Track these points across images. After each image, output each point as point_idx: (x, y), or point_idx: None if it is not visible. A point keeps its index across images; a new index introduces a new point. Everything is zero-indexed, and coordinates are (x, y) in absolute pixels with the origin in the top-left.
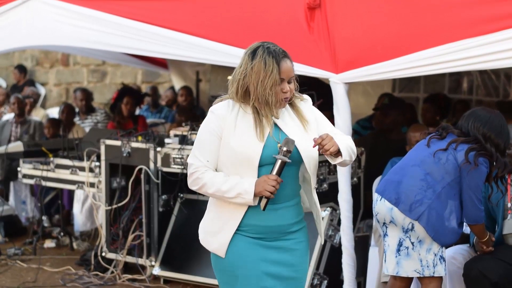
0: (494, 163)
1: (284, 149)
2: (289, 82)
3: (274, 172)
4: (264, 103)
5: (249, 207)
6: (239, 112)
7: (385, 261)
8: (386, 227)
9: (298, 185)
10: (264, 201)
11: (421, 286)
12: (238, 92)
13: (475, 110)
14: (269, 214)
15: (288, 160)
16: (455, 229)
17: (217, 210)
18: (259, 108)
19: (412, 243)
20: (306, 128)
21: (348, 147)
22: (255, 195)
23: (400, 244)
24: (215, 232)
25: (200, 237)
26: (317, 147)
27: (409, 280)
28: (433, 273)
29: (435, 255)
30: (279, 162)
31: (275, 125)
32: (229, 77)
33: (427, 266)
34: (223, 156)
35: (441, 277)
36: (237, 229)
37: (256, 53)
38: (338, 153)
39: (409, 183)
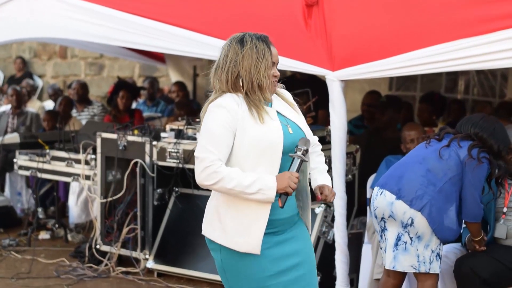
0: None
1: (304, 148)
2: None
3: (295, 169)
4: (257, 87)
5: None
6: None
7: (384, 253)
8: (385, 222)
9: (303, 175)
10: (284, 198)
11: (417, 283)
12: (229, 81)
13: (470, 116)
14: (283, 207)
15: (307, 160)
16: (454, 226)
17: (238, 209)
18: (250, 94)
19: (411, 238)
20: (296, 111)
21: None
22: (277, 191)
23: (398, 239)
24: (243, 232)
25: (220, 240)
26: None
27: (402, 277)
28: (429, 269)
29: (433, 251)
30: (298, 161)
31: (277, 112)
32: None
33: (424, 262)
34: (242, 149)
35: (437, 275)
36: None
37: (244, 41)
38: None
39: (410, 178)
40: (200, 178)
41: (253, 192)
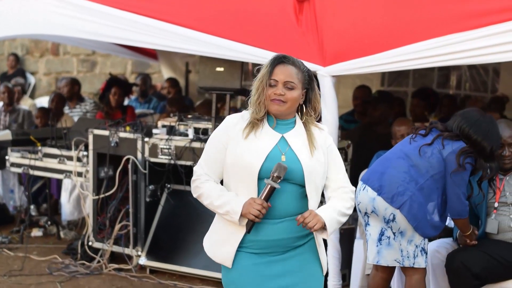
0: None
1: (275, 174)
2: (289, 88)
3: (263, 196)
4: (256, 103)
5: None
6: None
7: (367, 249)
8: (368, 217)
9: (303, 204)
10: (249, 223)
11: (405, 277)
12: (249, 102)
13: (465, 111)
14: (268, 229)
15: (277, 186)
16: (437, 222)
17: (222, 221)
18: (252, 109)
19: (394, 234)
20: (312, 153)
21: (337, 217)
22: (241, 216)
23: (381, 234)
24: (220, 244)
25: (205, 248)
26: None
27: (390, 271)
28: (413, 264)
29: (416, 246)
30: (268, 187)
31: (283, 138)
32: (218, 69)
33: (407, 257)
34: (228, 165)
35: (424, 269)
36: (240, 246)
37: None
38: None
39: (392, 174)
40: (191, 189)
41: (222, 213)
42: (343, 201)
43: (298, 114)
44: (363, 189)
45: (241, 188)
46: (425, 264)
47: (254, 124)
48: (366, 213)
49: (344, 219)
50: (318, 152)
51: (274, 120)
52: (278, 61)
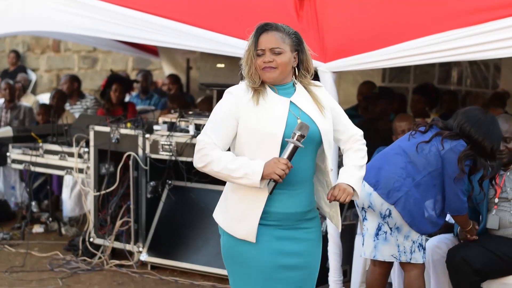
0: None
1: (298, 133)
2: (277, 54)
3: (286, 156)
4: (248, 75)
5: (269, 195)
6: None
7: (362, 244)
8: (365, 212)
9: (313, 171)
10: (272, 184)
11: (404, 273)
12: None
13: (467, 110)
14: (287, 201)
15: (301, 145)
16: (434, 218)
17: (240, 195)
18: (248, 82)
19: (390, 229)
20: (322, 113)
21: (359, 174)
22: (262, 178)
23: (378, 229)
24: (241, 219)
25: (222, 225)
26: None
27: (388, 266)
28: (410, 259)
29: (414, 242)
30: (291, 146)
31: (292, 103)
32: (219, 65)
33: (404, 252)
34: (243, 136)
35: (422, 265)
36: None
37: None
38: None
39: (389, 169)
40: (194, 160)
41: (239, 176)
42: (358, 152)
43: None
44: None
45: (262, 155)
46: (423, 260)
47: (259, 91)
48: (363, 208)
49: (364, 171)
50: (326, 111)
51: (274, 87)
52: (261, 30)
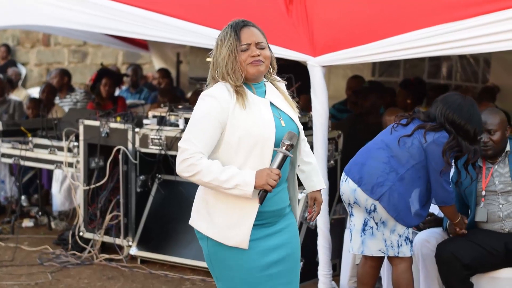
0: (462, 151)
1: (288, 143)
2: (261, 48)
3: (275, 165)
4: (231, 73)
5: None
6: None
7: (350, 240)
8: (351, 208)
9: (291, 165)
10: (263, 195)
11: (392, 267)
12: (212, 72)
13: (446, 96)
14: (273, 198)
15: (290, 155)
16: (418, 211)
17: (228, 202)
18: (230, 80)
19: (376, 224)
20: (294, 109)
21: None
22: (255, 188)
23: (365, 224)
24: (232, 226)
25: (207, 233)
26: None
27: (379, 259)
28: (398, 253)
29: (400, 236)
30: (280, 156)
31: (270, 103)
32: (208, 59)
33: (391, 246)
34: (232, 142)
35: (410, 258)
36: None
37: (222, 31)
38: None
39: (372, 165)
40: (179, 169)
41: (230, 187)
42: (310, 152)
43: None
44: (345, 181)
45: (252, 159)
46: (411, 253)
47: (241, 93)
48: (349, 203)
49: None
50: (295, 108)
51: (252, 86)
52: (240, 25)
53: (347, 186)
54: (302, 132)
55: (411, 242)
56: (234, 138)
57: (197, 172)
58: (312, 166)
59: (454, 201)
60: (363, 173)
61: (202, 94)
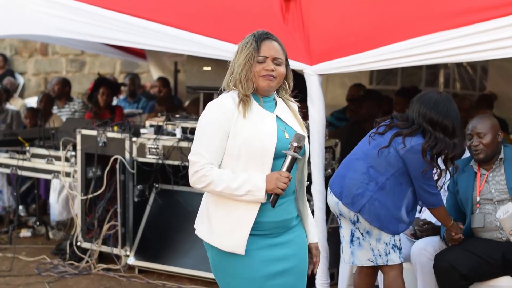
0: (441, 148)
1: (295, 144)
2: (277, 64)
3: (285, 168)
4: (244, 80)
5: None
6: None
7: (342, 251)
8: (339, 219)
9: (297, 179)
10: (275, 198)
11: (383, 275)
12: (228, 79)
13: (421, 95)
14: (274, 210)
15: (299, 157)
16: (403, 217)
17: (228, 210)
18: (241, 89)
19: (362, 234)
20: (303, 129)
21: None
22: (266, 192)
23: (352, 235)
24: (229, 232)
25: (207, 239)
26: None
27: (374, 267)
28: (387, 261)
29: (386, 244)
30: (289, 158)
31: (277, 117)
32: (205, 68)
33: (379, 255)
34: (234, 150)
35: (400, 265)
36: None
37: (245, 38)
38: None
39: (351, 177)
40: (192, 181)
41: (242, 194)
42: (308, 208)
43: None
44: (329, 194)
45: (252, 169)
46: (400, 260)
47: (245, 102)
48: (337, 215)
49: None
50: (304, 128)
51: (260, 99)
52: (263, 37)
53: (331, 199)
54: (307, 155)
55: (400, 249)
56: (235, 147)
57: (209, 182)
58: (310, 219)
59: (443, 202)
60: (343, 186)
61: (209, 103)
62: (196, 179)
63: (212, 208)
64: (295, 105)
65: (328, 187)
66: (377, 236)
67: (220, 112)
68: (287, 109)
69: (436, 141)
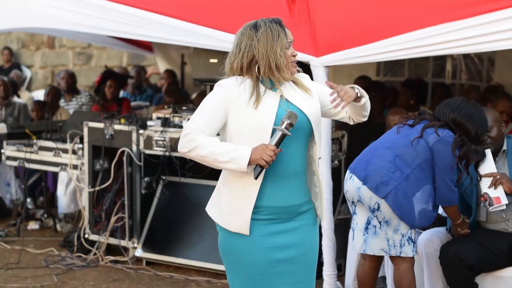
0: (466, 151)
1: (287, 122)
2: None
3: (273, 142)
4: (275, 69)
5: (261, 188)
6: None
7: (353, 239)
8: (355, 206)
9: (305, 162)
10: (258, 170)
11: (393, 266)
12: (244, 66)
13: (449, 100)
14: (280, 194)
15: (289, 134)
16: (428, 211)
17: (231, 187)
18: (269, 76)
19: (380, 222)
20: (311, 101)
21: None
22: (249, 163)
23: (368, 223)
24: (234, 212)
25: (215, 218)
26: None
27: (378, 260)
28: (400, 253)
29: (403, 236)
30: (279, 133)
31: (281, 96)
32: (212, 60)
33: (394, 246)
34: (233, 130)
35: (412, 258)
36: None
37: (258, 25)
38: (357, 97)
39: (377, 163)
40: (179, 145)
41: (225, 160)
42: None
43: None
44: (350, 178)
45: (252, 146)
46: (413, 253)
47: (256, 86)
48: (353, 202)
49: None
50: (314, 99)
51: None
52: (282, 23)
53: (352, 184)
54: (319, 125)
55: (414, 243)
56: (234, 127)
57: (195, 146)
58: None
59: (458, 201)
60: (369, 171)
61: (215, 85)
62: (183, 143)
63: (222, 188)
64: (301, 77)
65: (348, 172)
66: (395, 226)
67: (220, 90)
68: (293, 85)
69: (462, 142)
